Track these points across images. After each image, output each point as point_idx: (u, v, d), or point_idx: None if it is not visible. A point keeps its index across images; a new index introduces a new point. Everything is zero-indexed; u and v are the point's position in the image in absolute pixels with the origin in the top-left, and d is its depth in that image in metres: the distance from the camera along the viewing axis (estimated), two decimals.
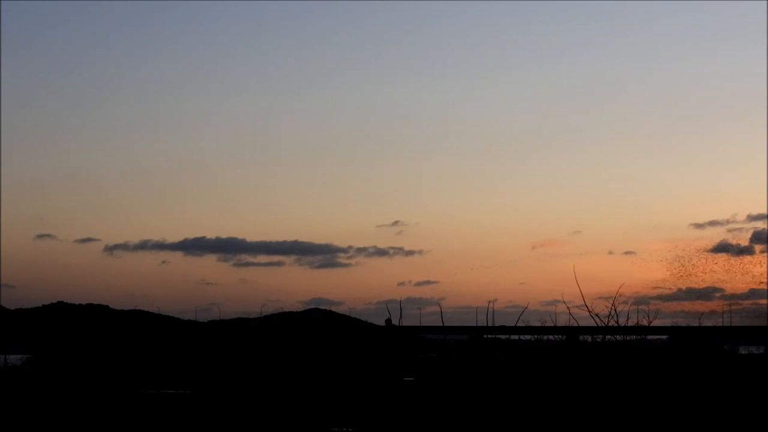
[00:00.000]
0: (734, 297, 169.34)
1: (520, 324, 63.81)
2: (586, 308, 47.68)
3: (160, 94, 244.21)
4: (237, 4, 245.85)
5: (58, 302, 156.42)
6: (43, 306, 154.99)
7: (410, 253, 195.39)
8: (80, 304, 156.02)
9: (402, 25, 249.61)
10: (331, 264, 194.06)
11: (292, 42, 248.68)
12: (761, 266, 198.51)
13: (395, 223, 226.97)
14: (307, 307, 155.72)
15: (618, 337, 49.83)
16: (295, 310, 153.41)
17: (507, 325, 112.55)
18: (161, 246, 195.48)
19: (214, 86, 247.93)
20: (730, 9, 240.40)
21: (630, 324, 49.20)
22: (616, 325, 47.29)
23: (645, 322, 50.79)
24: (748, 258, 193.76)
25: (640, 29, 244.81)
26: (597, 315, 47.24)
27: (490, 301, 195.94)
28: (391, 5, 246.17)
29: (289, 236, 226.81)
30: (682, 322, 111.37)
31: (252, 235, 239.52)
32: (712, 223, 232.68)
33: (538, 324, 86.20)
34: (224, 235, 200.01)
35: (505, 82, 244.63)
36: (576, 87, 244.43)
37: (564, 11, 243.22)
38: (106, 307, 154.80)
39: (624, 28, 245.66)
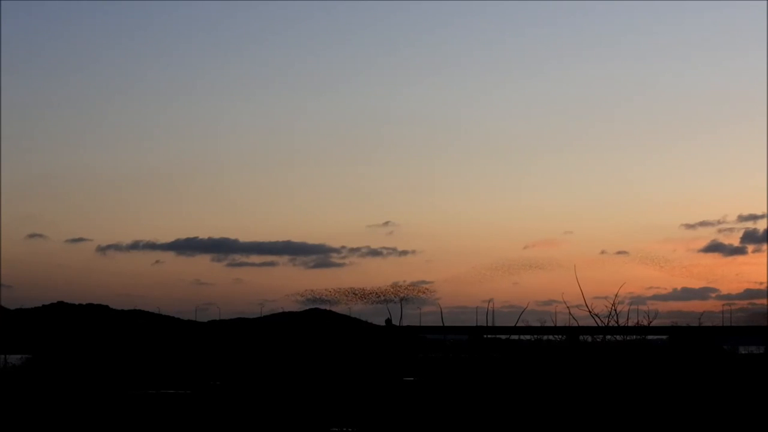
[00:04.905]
0: (729, 297, 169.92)
1: (519, 324, 63.95)
2: (585, 308, 47.78)
3: (152, 96, 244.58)
4: (232, 5, 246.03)
5: (58, 302, 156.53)
6: (43, 306, 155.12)
7: (403, 253, 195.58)
8: (80, 304, 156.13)
9: (391, 25, 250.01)
10: (325, 264, 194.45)
11: (287, 45, 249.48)
12: (755, 266, 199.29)
13: (386, 223, 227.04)
14: (306, 307, 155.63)
15: (618, 337, 49.83)
16: (294, 310, 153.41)
17: (505, 325, 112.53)
18: (153, 246, 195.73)
19: (207, 88, 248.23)
20: (728, 11, 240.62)
21: (630, 324, 49.24)
22: (616, 325, 47.31)
23: (645, 322, 50.81)
24: (740, 258, 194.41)
25: (635, 33, 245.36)
26: (597, 315, 47.31)
27: (488, 301, 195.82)
28: (384, 7, 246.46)
29: (281, 236, 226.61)
30: (679, 322, 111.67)
31: (245, 236, 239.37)
32: (703, 224, 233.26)
33: (538, 324, 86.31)
34: (216, 236, 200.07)
35: (496, 84, 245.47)
36: (568, 89, 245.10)
37: (559, 15, 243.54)
38: (106, 307, 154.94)
39: (619, 32, 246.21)
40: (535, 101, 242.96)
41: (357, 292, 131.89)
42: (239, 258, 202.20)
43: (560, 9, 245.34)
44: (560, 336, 69.83)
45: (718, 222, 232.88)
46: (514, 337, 76.58)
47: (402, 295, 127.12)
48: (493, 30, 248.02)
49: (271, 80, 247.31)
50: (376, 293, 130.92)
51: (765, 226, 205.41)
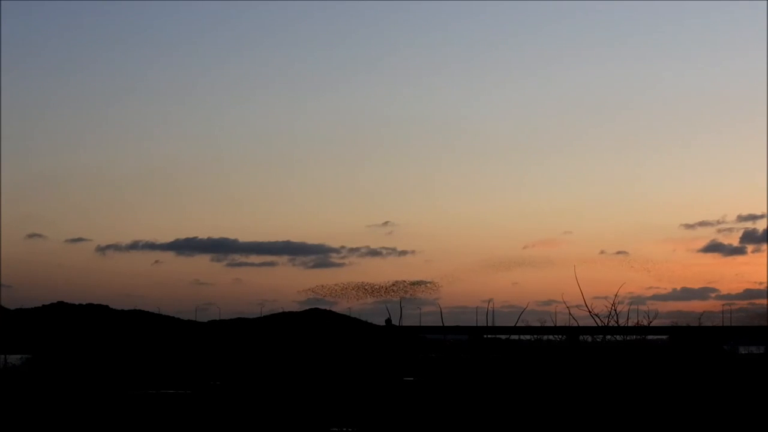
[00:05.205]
0: (729, 297, 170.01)
1: (519, 324, 64.04)
2: (585, 308, 47.86)
3: (152, 96, 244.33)
4: (233, 5, 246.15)
5: (58, 302, 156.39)
6: (43, 306, 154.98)
7: (403, 253, 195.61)
8: (80, 304, 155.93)
9: (389, 24, 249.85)
10: (324, 264, 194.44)
11: (284, 44, 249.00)
12: (754, 266, 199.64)
13: (385, 223, 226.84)
14: (305, 307, 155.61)
15: (618, 337, 49.93)
16: (294, 310, 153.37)
17: (505, 325, 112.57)
18: (152, 246, 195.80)
19: (205, 88, 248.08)
20: (728, 11, 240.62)
21: (630, 324, 49.33)
22: (616, 325, 47.40)
23: (645, 322, 50.90)
24: (740, 258, 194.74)
25: (633, 32, 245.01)
26: (597, 315, 47.40)
27: (488, 301, 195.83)
28: (379, 6, 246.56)
29: (281, 236, 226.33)
30: (679, 322, 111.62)
31: (244, 236, 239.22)
32: (703, 224, 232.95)
33: (538, 324, 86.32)
34: (216, 236, 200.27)
35: (494, 84, 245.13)
36: (566, 89, 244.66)
37: (559, 15, 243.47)
38: (106, 307, 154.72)
39: (617, 31, 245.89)
40: (534, 101, 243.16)
41: (367, 287, 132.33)
42: (239, 258, 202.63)
43: (561, 9, 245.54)
44: (560, 336, 69.99)
45: (718, 222, 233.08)
46: (514, 337, 76.74)
47: (409, 292, 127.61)
48: (493, 30, 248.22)
49: (271, 80, 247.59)
50: (385, 288, 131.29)
51: (764, 226, 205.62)
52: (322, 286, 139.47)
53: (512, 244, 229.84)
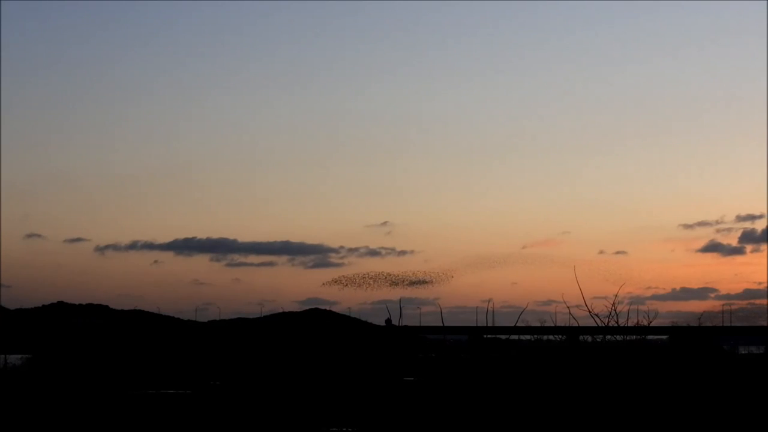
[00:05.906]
0: (728, 297, 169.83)
1: (519, 324, 63.99)
2: (585, 308, 47.85)
3: (147, 96, 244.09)
4: (234, 5, 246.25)
5: (59, 302, 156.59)
6: (43, 306, 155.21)
7: (402, 253, 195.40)
8: (80, 304, 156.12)
9: (389, 23, 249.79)
10: (323, 264, 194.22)
11: (278, 41, 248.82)
12: (754, 266, 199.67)
13: (384, 223, 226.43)
14: (305, 307, 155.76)
15: (618, 337, 49.89)
16: (294, 310, 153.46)
17: (505, 325, 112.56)
18: (151, 246, 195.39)
19: (203, 87, 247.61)
20: (727, 11, 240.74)
21: (630, 324, 49.30)
22: (616, 325, 47.38)
23: (645, 322, 50.86)
24: (739, 258, 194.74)
25: (628, 28, 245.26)
26: (597, 315, 47.39)
27: (488, 301, 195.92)
28: (379, 4, 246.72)
29: (280, 236, 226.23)
30: (679, 322, 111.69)
31: (243, 236, 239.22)
32: (701, 224, 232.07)
33: (538, 324, 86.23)
34: (215, 236, 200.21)
35: (495, 84, 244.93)
36: (564, 87, 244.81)
37: (552, 10, 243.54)
38: (106, 307, 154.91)
39: (612, 27, 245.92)
40: (533, 101, 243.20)
41: (388, 277, 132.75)
42: (238, 258, 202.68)
43: (562, 8, 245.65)
44: (560, 336, 69.98)
45: (717, 222, 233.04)
46: (514, 337, 76.66)
47: (426, 278, 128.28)
48: (493, 29, 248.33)
49: (271, 80, 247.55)
50: (403, 280, 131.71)
51: (763, 226, 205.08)
52: (344, 276, 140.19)
53: (510, 245, 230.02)
